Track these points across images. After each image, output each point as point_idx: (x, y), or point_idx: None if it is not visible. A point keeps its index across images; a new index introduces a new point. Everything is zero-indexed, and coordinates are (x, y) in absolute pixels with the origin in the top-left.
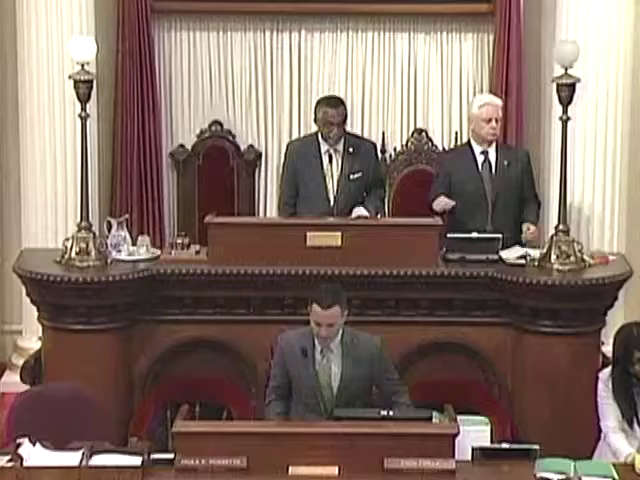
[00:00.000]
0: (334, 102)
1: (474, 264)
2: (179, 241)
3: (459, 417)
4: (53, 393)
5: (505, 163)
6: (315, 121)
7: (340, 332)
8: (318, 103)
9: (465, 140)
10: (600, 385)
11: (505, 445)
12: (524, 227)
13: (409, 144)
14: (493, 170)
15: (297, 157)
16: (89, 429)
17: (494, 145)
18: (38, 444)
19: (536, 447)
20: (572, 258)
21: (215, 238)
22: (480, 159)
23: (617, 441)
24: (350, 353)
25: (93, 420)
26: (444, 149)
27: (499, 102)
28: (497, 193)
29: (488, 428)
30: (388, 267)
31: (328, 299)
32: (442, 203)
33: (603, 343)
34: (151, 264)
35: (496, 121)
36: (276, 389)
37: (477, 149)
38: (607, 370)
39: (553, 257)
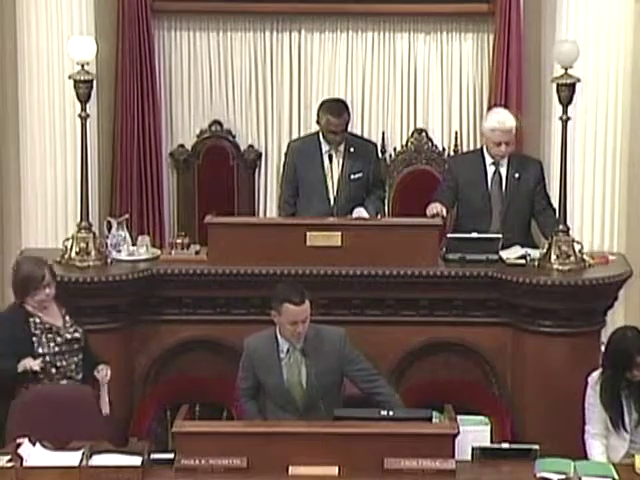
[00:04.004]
0: (337, 111)
1: (474, 264)
2: (179, 241)
3: (459, 417)
4: (53, 392)
5: (516, 176)
6: (317, 122)
7: None
8: (321, 107)
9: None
10: (588, 390)
11: (505, 445)
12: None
13: (409, 144)
14: (503, 183)
15: (298, 157)
16: (89, 428)
17: (506, 157)
18: (38, 444)
19: (536, 447)
20: (572, 258)
21: (215, 238)
22: (490, 170)
23: (594, 449)
24: (315, 347)
25: (93, 419)
26: (455, 152)
27: (512, 124)
28: (507, 206)
29: (488, 428)
30: (388, 267)
31: (299, 295)
32: (433, 209)
33: (603, 343)
34: (151, 264)
35: (506, 144)
36: (246, 391)
37: (488, 159)
38: (596, 374)
39: (553, 257)
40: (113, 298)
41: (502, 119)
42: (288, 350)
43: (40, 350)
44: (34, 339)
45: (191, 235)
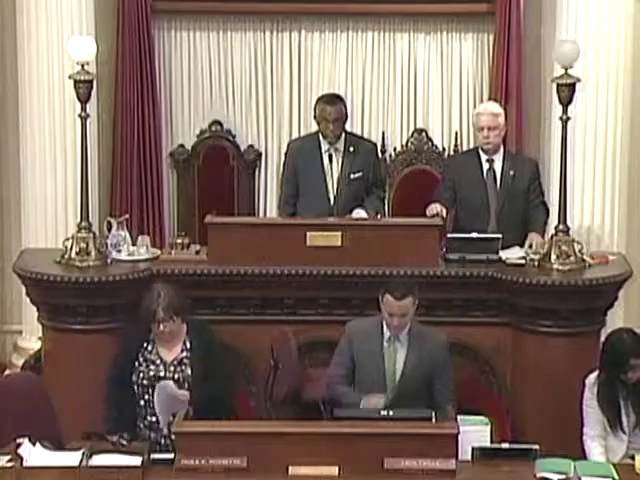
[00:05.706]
0: (332, 99)
1: (474, 264)
2: (179, 241)
3: (459, 417)
4: (9, 383)
5: (511, 173)
6: (315, 118)
7: (409, 324)
8: (317, 102)
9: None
10: (586, 392)
11: (505, 445)
12: (527, 242)
13: (409, 144)
14: (498, 180)
15: (298, 156)
16: (37, 418)
17: (501, 154)
18: (38, 444)
19: (536, 447)
20: (572, 258)
21: (215, 238)
22: (485, 167)
23: (592, 450)
24: (416, 345)
25: (41, 409)
26: (455, 152)
27: (496, 110)
28: (503, 203)
29: (488, 428)
30: (388, 267)
31: (402, 290)
32: (432, 209)
33: None
34: (151, 264)
35: (489, 129)
36: (341, 378)
37: (483, 157)
38: (593, 376)
39: (553, 257)
40: (113, 298)
41: (487, 105)
42: (390, 338)
43: (133, 378)
44: (136, 364)
45: (191, 235)
